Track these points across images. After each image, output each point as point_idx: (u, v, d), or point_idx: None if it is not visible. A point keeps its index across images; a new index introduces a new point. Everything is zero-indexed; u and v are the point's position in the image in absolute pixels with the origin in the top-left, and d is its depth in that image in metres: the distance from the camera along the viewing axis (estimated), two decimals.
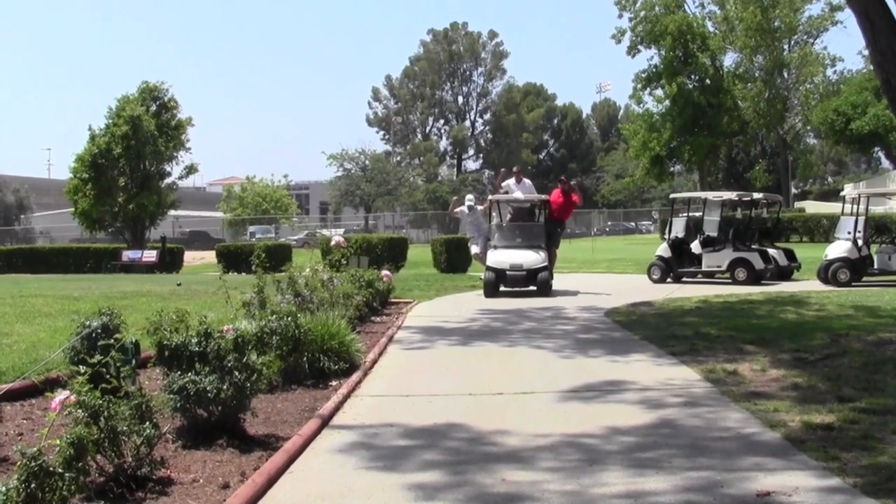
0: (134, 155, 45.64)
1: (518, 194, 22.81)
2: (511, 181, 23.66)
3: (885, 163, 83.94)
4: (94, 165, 45.35)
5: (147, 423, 5.74)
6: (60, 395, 5.28)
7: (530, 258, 20.52)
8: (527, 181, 24.05)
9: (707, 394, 8.69)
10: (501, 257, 20.64)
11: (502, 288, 20.37)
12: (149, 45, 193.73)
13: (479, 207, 24.75)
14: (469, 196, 27.29)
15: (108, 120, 46.60)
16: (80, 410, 5.30)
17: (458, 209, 25.66)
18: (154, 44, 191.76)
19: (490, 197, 24.81)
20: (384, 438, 7.20)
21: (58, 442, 4.93)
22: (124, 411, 5.60)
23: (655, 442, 6.89)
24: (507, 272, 20.31)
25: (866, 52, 35.23)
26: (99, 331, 7.39)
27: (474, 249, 24.18)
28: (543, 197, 23.00)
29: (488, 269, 20.64)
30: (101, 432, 5.36)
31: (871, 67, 19.95)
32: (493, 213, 23.15)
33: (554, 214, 22.28)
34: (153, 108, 47.77)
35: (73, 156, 47.14)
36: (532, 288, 20.18)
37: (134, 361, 7.26)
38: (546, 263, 20.56)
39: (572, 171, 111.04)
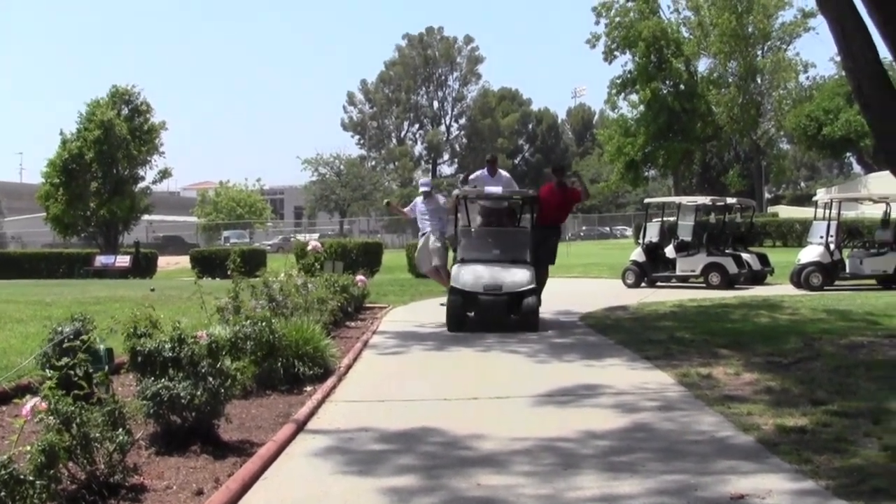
0: (106, 159, 45.61)
1: (494, 189, 16.76)
2: (482, 172, 18.04)
3: (857, 168, 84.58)
4: (65, 170, 45.31)
5: (120, 429, 5.69)
6: (31, 401, 5.24)
7: (512, 277, 14.78)
8: (504, 174, 18.39)
9: (681, 397, 8.71)
10: (471, 275, 14.89)
11: (472, 315, 15.13)
12: (122, 48, 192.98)
13: (441, 198, 19.38)
14: (424, 180, 23.25)
15: (79, 124, 46.47)
16: (51, 417, 5.25)
17: (406, 208, 20.53)
18: (127, 47, 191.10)
19: (456, 191, 17.09)
20: (359, 443, 7.18)
21: (28, 449, 4.88)
22: (97, 417, 5.55)
23: (630, 446, 6.89)
24: (480, 296, 14.66)
25: (838, 59, 35.48)
26: (71, 336, 7.34)
27: (434, 262, 18.38)
28: (530, 192, 17.26)
29: (453, 291, 14.86)
30: (73, 439, 5.31)
31: (843, 73, 20.07)
32: (460, 215, 16.65)
33: (546, 217, 16.52)
34: (125, 111, 47.68)
35: (45, 160, 47.05)
36: (513, 317, 14.74)
37: (107, 367, 7.21)
38: (533, 285, 14.77)
39: (548, 176, 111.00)
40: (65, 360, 6.00)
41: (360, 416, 8.20)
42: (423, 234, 18.54)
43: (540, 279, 15.57)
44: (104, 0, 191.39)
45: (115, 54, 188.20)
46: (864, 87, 11.40)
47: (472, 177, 18.17)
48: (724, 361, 10.63)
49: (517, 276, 14.77)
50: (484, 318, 14.89)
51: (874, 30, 11.32)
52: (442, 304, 15.75)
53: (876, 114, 11.53)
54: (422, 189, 19.37)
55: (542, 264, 16.03)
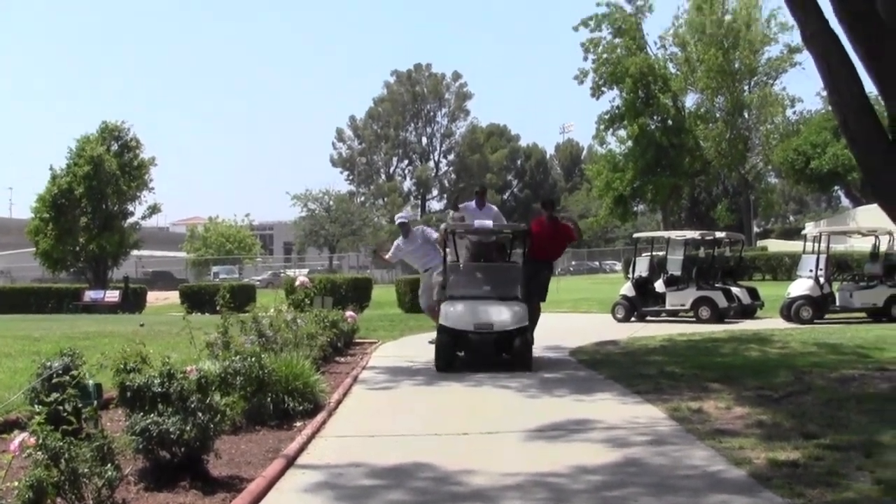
0: (96, 195, 45.62)
1: (484, 222, 15.95)
2: (470, 204, 17.33)
3: (845, 201, 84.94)
4: (55, 205, 45.30)
5: (109, 464, 5.66)
6: (19, 436, 5.21)
7: (503, 314, 14.14)
8: (492, 207, 17.64)
9: (672, 432, 8.69)
10: (461, 313, 14.28)
11: (462, 354, 14.64)
12: (112, 85, 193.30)
13: (433, 232, 18.36)
14: (402, 213, 21.22)
15: (69, 160, 46.53)
16: (39, 452, 5.22)
17: (388, 254, 19.24)
18: (117, 84, 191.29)
19: (444, 224, 16.78)
20: (349, 478, 7.14)
21: (17, 484, 4.85)
22: (85, 453, 5.52)
23: (622, 480, 6.87)
24: (470, 334, 14.10)
25: (825, 93, 35.71)
26: (60, 371, 7.30)
27: (426, 300, 17.86)
28: (521, 226, 16.57)
29: (441, 329, 14.24)
30: (61, 474, 5.28)
31: (830, 108, 20.19)
32: (448, 250, 16.12)
33: (537, 252, 15.81)
34: (115, 147, 47.75)
35: (34, 195, 47.05)
36: (505, 356, 14.19)
37: (96, 402, 7.17)
38: (525, 323, 14.16)
39: (537, 211, 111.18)
40: (54, 395, 5.98)
41: (350, 451, 8.16)
42: (427, 270, 17.77)
43: (532, 316, 14.87)
44: (94, 36, 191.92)
45: (105, 91, 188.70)
46: (850, 121, 11.49)
47: (461, 205, 17.58)
48: (714, 395, 10.62)
49: (508, 314, 14.12)
50: (474, 358, 14.37)
51: (859, 64, 11.42)
52: (430, 342, 15.20)
53: (862, 147, 11.61)
54: (398, 220, 18.80)
55: (533, 300, 15.42)
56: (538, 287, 15.82)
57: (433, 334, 15.18)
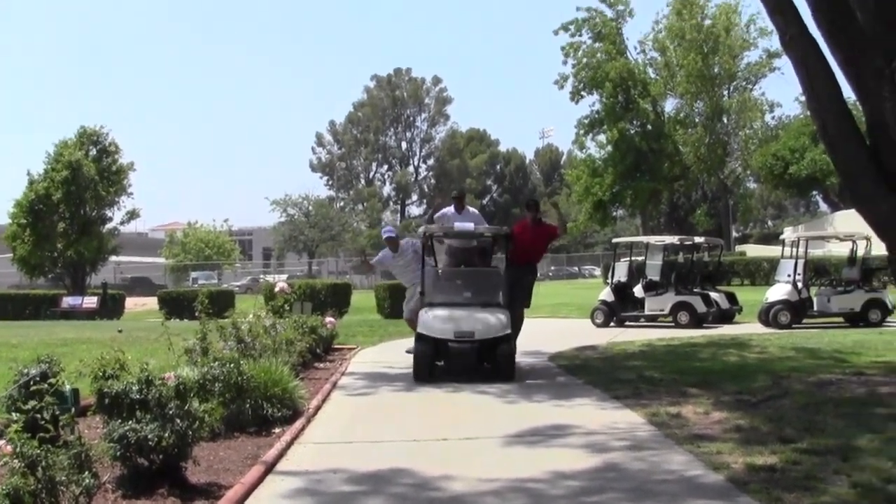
0: (74, 200, 45.39)
1: (465, 225, 15.55)
2: (449, 210, 16.89)
3: (823, 206, 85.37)
4: (32, 211, 45.03)
5: (86, 472, 5.64)
6: None
7: (484, 322, 13.48)
8: (472, 210, 17.39)
9: (651, 437, 8.71)
10: (440, 320, 13.60)
11: (442, 363, 13.87)
12: (89, 89, 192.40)
13: (411, 241, 17.10)
14: (388, 228, 19.21)
15: (47, 165, 46.30)
16: (16, 461, 5.20)
17: (374, 259, 18.19)
18: (95, 88, 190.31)
19: (423, 228, 16.13)
20: (328, 484, 7.14)
21: None
22: (63, 461, 5.50)
23: (601, 486, 6.89)
24: (450, 343, 13.34)
25: (803, 98, 35.88)
26: (38, 378, 7.27)
27: (408, 312, 16.79)
28: (503, 229, 16.27)
29: (420, 338, 13.56)
30: (38, 482, 5.25)
31: (808, 113, 20.29)
32: (427, 256, 15.52)
33: (518, 256, 15.30)
34: (93, 152, 47.54)
35: (11, 201, 46.74)
36: (486, 366, 13.61)
37: (73, 409, 7.14)
38: (508, 330, 13.48)
39: (516, 216, 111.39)
40: (31, 403, 5.95)
41: (329, 457, 8.16)
42: (415, 284, 15.72)
43: (515, 323, 14.24)
44: (72, 41, 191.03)
45: (82, 94, 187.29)
46: (828, 127, 11.57)
47: (437, 215, 17.00)
48: (693, 400, 10.66)
49: (491, 321, 13.47)
50: (454, 367, 13.60)
51: (838, 70, 11.50)
52: (408, 352, 14.64)
53: (840, 152, 11.70)
54: (385, 235, 17.21)
55: (516, 306, 14.77)
56: (522, 292, 15.29)
57: (412, 341, 14.49)
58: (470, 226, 15.41)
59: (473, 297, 14.23)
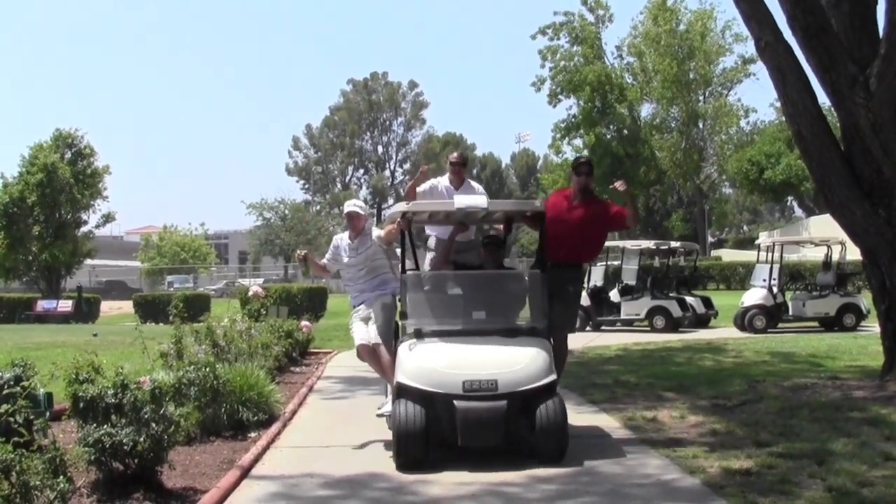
0: (49, 203, 45.17)
1: (474, 199, 9.19)
2: (441, 181, 10.52)
3: (799, 211, 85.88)
4: (7, 214, 44.77)
5: (61, 477, 5.61)
6: None
7: (513, 362, 8.07)
8: (475, 184, 10.77)
9: (627, 441, 8.73)
10: (437, 361, 8.09)
11: (444, 437, 8.00)
12: (64, 93, 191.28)
13: (376, 232, 9.97)
14: (354, 201, 10.68)
15: (21, 168, 46.06)
16: None
17: (324, 259, 10.41)
18: (69, 91, 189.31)
19: (402, 204, 9.57)
20: (304, 489, 7.12)
21: None
22: (37, 465, 5.46)
23: (576, 489, 6.90)
24: (457, 401, 7.76)
25: (778, 104, 36.10)
26: (11, 382, 7.23)
27: (362, 334, 9.54)
28: (535, 205, 10.60)
29: (403, 391, 8.04)
30: (11, 487, 5.22)
31: (784, 119, 20.39)
32: (406, 252, 9.24)
33: (557, 250, 9.37)
34: (68, 155, 47.33)
35: None
36: (522, 436, 8.05)
37: (47, 413, 7.10)
38: (554, 376, 8.19)
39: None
40: (4, 406, 5.90)
41: (305, 461, 8.14)
42: (356, 309, 9.87)
43: (558, 361, 8.86)
44: (47, 42, 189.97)
45: (56, 98, 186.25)
46: (803, 132, 11.63)
47: (420, 189, 10.30)
48: (669, 405, 10.69)
49: (524, 361, 8.11)
50: (466, 444, 7.81)
51: (813, 76, 11.56)
52: (381, 414, 9.22)
53: (815, 158, 11.75)
54: (348, 209, 10.09)
55: (556, 332, 9.29)
56: (564, 308, 9.68)
57: (384, 398, 9.60)
58: (481, 199, 9.27)
59: (490, 320, 8.80)
